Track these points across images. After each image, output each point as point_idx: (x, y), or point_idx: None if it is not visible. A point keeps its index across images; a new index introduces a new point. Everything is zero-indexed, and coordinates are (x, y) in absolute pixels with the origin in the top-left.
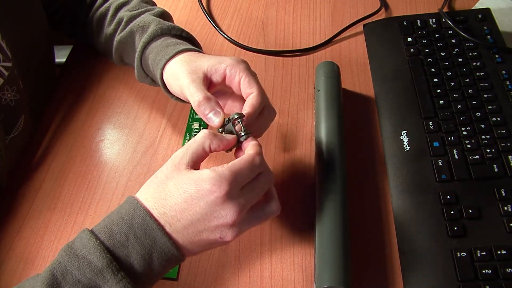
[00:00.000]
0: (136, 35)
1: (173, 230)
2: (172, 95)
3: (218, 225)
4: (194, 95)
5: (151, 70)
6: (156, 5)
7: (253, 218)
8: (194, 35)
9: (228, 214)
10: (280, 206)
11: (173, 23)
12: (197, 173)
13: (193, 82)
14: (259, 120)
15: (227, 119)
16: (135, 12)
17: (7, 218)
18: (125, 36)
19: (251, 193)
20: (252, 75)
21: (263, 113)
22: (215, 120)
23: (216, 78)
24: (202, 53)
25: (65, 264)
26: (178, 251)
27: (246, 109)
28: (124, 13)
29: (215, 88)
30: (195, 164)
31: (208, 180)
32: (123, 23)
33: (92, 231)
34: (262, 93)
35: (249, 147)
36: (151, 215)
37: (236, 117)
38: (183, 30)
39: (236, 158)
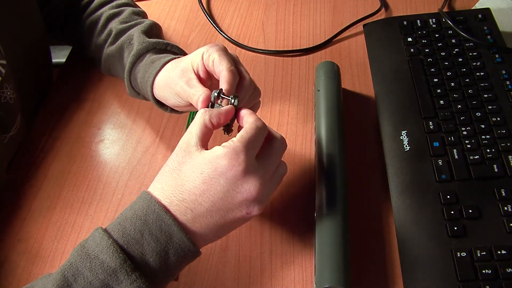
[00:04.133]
0: (125, 52)
1: (196, 216)
2: (166, 108)
3: (242, 200)
4: (190, 94)
5: (140, 88)
6: (147, 17)
7: (272, 186)
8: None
9: (251, 186)
10: (287, 165)
11: (161, 36)
12: (210, 152)
13: (185, 84)
14: (241, 93)
15: (210, 103)
16: (125, 25)
17: (7, 218)
18: (114, 51)
19: (268, 161)
20: (225, 54)
21: (242, 86)
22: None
23: (201, 69)
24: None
25: (77, 265)
26: (195, 246)
27: (223, 86)
28: (114, 25)
29: (207, 82)
30: (204, 144)
31: (224, 156)
32: (112, 36)
33: (105, 230)
34: (231, 69)
35: (246, 117)
36: (166, 210)
37: (216, 94)
38: (167, 44)
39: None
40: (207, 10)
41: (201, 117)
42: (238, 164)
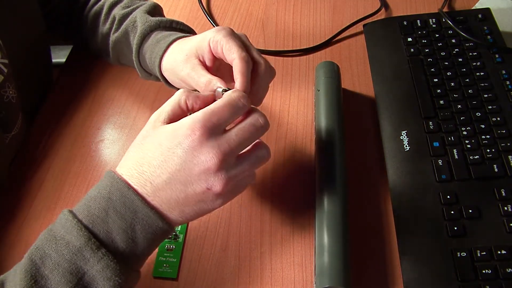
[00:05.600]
0: (130, 35)
1: (156, 189)
2: (177, 88)
3: (200, 171)
4: (198, 82)
5: (150, 69)
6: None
7: (243, 163)
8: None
9: (207, 157)
10: (270, 151)
11: (163, 15)
12: (172, 124)
13: (192, 71)
14: (256, 81)
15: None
16: (127, 10)
17: (7, 218)
18: (120, 36)
19: (236, 136)
20: (234, 39)
21: (257, 72)
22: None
23: (207, 57)
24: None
25: (43, 248)
26: (163, 222)
27: (237, 77)
28: (117, 11)
29: (214, 66)
30: (171, 122)
31: (182, 126)
32: (116, 22)
33: (71, 211)
34: (242, 57)
35: (229, 92)
36: (129, 186)
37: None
38: (172, 21)
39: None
40: (207, 10)
41: (178, 97)
42: (193, 133)
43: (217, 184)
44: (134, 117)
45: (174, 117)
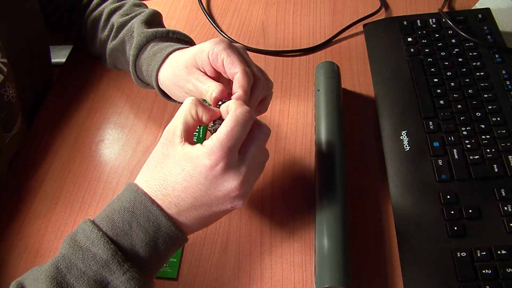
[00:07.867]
0: (127, 45)
1: (181, 210)
2: (174, 100)
3: (224, 195)
4: (205, 91)
5: (147, 81)
6: (147, 7)
7: (254, 177)
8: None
9: (231, 184)
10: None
11: (162, 23)
12: (191, 150)
13: (197, 80)
14: (253, 96)
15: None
16: (126, 18)
17: (7, 218)
18: (117, 45)
19: (250, 153)
20: (234, 53)
21: (257, 86)
22: None
23: (208, 69)
24: (190, 46)
25: (69, 257)
26: (183, 234)
27: (237, 91)
28: (115, 19)
29: (215, 77)
30: (187, 135)
31: (203, 156)
32: (114, 30)
33: (93, 222)
34: (246, 71)
35: (230, 105)
36: (153, 201)
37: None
38: (168, 31)
39: None
40: (207, 10)
41: (189, 107)
42: (216, 164)
43: (240, 202)
44: (134, 117)
45: (189, 129)
